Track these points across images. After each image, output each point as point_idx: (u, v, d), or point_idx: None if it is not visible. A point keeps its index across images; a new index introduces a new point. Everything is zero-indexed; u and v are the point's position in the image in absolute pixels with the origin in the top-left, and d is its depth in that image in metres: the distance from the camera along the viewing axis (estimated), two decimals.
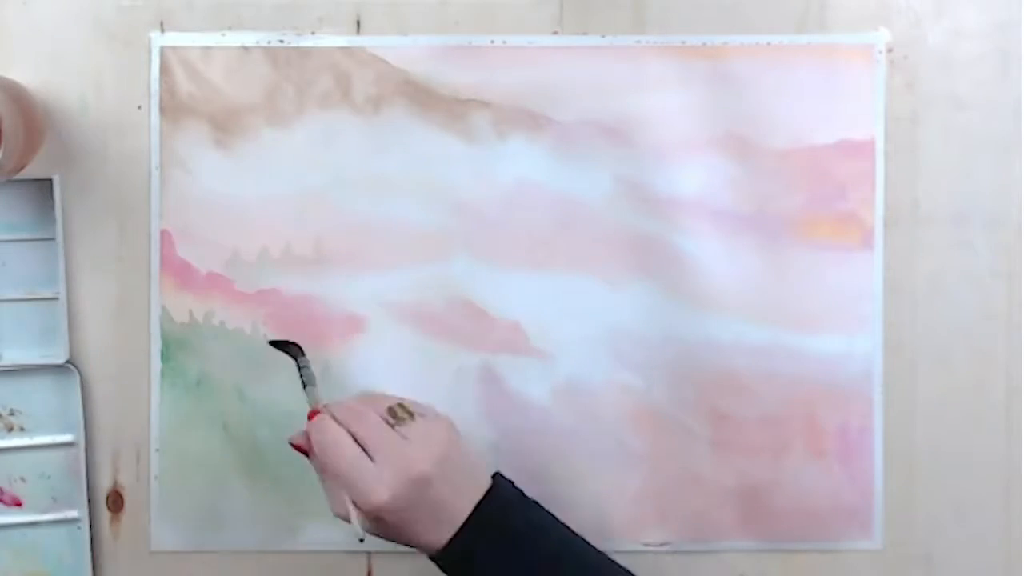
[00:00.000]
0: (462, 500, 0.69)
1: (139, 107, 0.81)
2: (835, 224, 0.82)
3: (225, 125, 0.82)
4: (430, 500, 0.68)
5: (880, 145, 0.82)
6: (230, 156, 0.82)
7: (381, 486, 0.67)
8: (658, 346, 0.82)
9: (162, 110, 0.82)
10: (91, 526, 0.81)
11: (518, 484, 0.72)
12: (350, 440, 0.68)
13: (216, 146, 0.82)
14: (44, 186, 0.81)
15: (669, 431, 0.82)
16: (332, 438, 0.69)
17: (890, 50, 0.82)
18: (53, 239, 0.81)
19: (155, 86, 0.82)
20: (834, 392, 0.82)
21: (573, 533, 0.72)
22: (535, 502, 0.73)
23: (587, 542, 0.73)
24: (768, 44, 0.82)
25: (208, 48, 0.82)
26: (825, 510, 0.82)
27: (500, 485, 0.71)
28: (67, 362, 0.81)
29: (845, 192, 0.82)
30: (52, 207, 0.80)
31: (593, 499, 0.82)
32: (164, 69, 0.81)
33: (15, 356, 0.82)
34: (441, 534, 0.68)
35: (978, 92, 0.82)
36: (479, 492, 0.70)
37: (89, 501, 0.81)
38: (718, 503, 0.82)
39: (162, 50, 0.81)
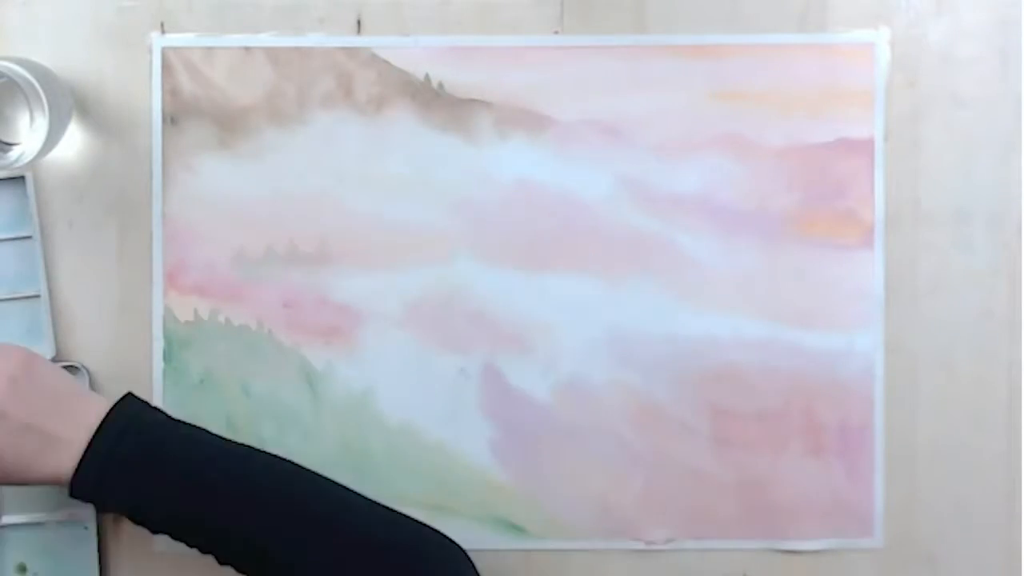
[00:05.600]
0: (67, 425, 0.70)
1: (141, 107, 0.82)
2: (834, 222, 0.82)
3: (228, 125, 0.82)
4: (16, 426, 0.68)
5: (880, 143, 0.82)
6: (234, 156, 0.82)
7: None
8: (658, 344, 0.82)
9: (165, 110, 0.82)
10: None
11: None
12: None
13: (220, 146, 0.82)
14: (17, 184, 0.81)
15: (670, 429, 0.82)
16: None
17: (891, 48, 0.82)
18: (31, 237, 0.81)
19: (156, 87, 0.82)
20: (834, 389, 0.82)
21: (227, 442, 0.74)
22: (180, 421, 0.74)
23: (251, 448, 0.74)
24: (769, 43, 0.82)
25: (210, 49, 0.82)
26: (826, 508, 0.82)
27: (127, 405, 0.72)
28: (54, 360, 0.81)
29: (844, 190, 0.82)
30: (27, 205, 0.81)
31: (594, 497, 0.82)
32: (167, 70, 0.82)
33: None
34: (60, 462, 0.69)
35: (979, 90, 0.82)
36: (92, 416, 0.70)
37: None
38: (719, 500, 0.82)
39: (164, 51, 0.82)
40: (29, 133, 0.75)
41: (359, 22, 0.82)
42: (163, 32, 0.82)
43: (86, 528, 0.82)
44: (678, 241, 0.82)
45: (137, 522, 0.71)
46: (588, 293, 0.82)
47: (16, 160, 0.74)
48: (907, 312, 0.83)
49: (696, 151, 0.82)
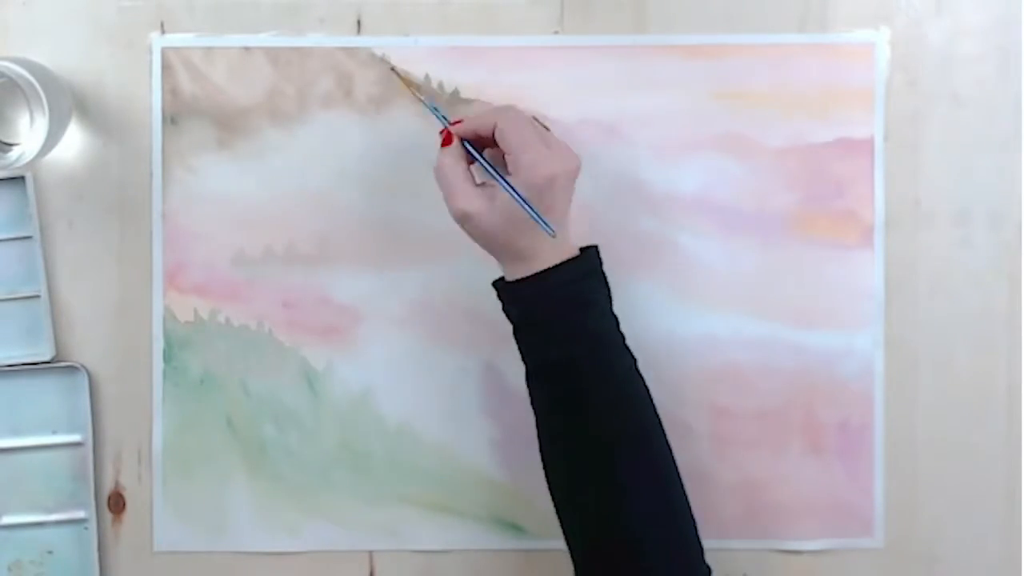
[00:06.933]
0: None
1: (140, 107, 0.82)
2: (834, 222, 0.82)
3: (228, 125, 0.82)
4: (565, 200, 0.73)
5: (880, 143, 0.82)
6: (234, 156, 0.82)
7: (552, 161, 0.71)
8: (658, 344, 0.82)
9: (165, 110, 0.82)
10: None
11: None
12: (532, 120, 0.74)
13: (220, 146, 0.82)
14: (17, 184, 0.81)
15: (670, 429, 0.82)
16: (517, 115, 0.73)
17: (891, 48, 0.82)
18: (31, 237, 0.81)
19: (156, 87, 0.82)
20: (834, 389, 0.82)
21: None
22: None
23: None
24: (769, 44, 0.82)
25: (210, 49, 0.82)
26: (826, 508, 0.82)
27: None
28: (54, 360, 0.81)
29: (843, 190, 0.82)
30: (27, 205, 0.81)
31: None
32: (167, 70, 0.82)
33: (1, 356, 0.82)
34: (562, 248, 0.72)
35: (978, 90, 0.82)
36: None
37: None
38: (719, 500, 0.82)
39: (164, 51, 0.82)
40: (29, 133, 0.75)
41: (359, 22, 0.82)
42: (163, 32, 0.82)
43: (86, 528, 0.82)
44: (678, 241, 0.82)
45: (526, 340, 0.73)
46: None
47: (16, 160, 0.74)
48: (907, 312, 0.83)
49: (696, 151, 0.82)
